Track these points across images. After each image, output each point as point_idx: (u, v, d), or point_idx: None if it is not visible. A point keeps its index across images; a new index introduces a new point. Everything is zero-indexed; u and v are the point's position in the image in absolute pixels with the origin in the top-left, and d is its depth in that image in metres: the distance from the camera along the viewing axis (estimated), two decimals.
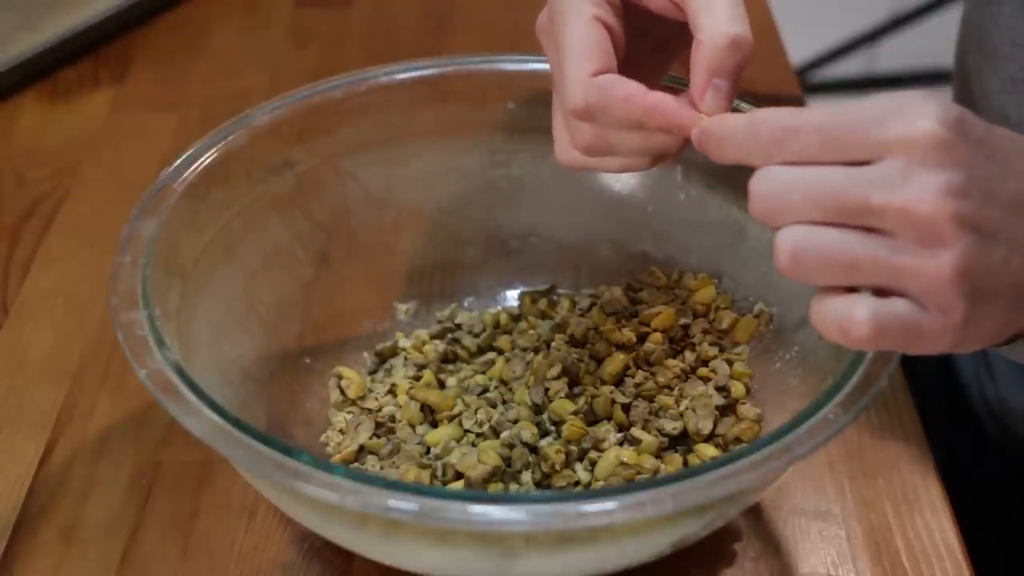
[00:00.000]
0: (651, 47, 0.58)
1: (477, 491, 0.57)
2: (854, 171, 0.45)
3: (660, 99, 0.51)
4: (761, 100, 0.58)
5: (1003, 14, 0.71)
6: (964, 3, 0.79)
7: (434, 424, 0.64)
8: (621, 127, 0.53)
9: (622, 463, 0.59)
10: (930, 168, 0.45)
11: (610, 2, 0.54)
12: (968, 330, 0.46)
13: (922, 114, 0.45)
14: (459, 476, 0.59)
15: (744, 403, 0.63)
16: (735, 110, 0.51)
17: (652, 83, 0.54)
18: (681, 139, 0.52)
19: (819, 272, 0.46)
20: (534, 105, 0.68)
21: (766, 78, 0.93)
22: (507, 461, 0.59)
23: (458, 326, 0.69)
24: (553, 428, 0.61)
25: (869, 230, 0.45)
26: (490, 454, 0.58)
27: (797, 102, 0.89)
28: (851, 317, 0.45)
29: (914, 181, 0.44)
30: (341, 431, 0.64)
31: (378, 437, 0.63)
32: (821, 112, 0.47)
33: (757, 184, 0.47)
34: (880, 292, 0.46)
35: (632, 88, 0.52)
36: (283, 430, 0.62)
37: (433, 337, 0.69)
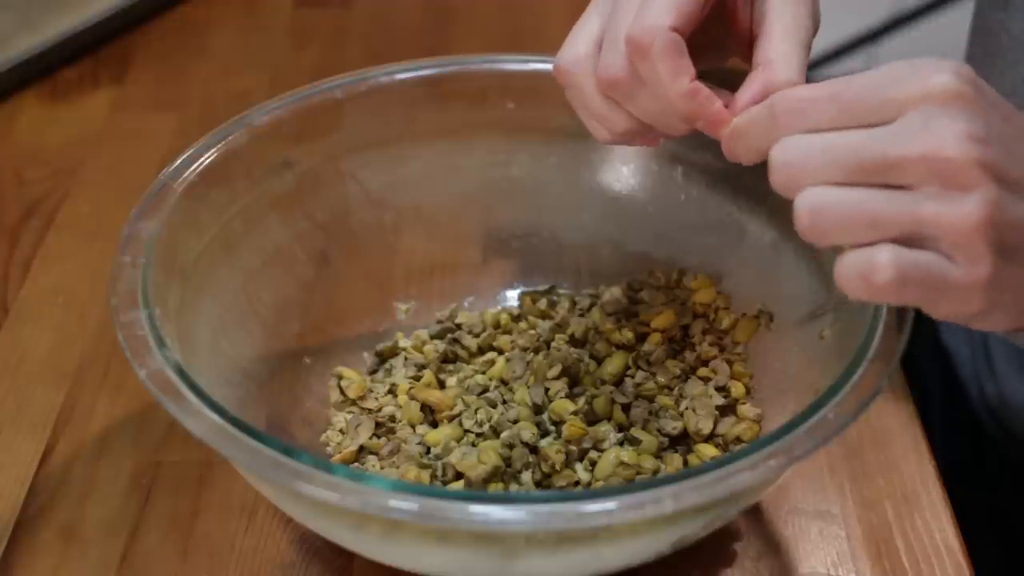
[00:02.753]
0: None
1: (477, 491, 0.57)
2: (873, 130, 0.45)
3: (703, 87, 0.51)
4: None
5: (1013, 19, 0.71)
6: (974, 8, 0.79)
7: (434, 424, 0.64)
8: (652, 86, 0.52)
9: (622, 463, 0.59)
10: (950, 116, 0.44)
11: None
12: (996, 291, 0.45)
13: (937, 69, 0.45)
14: (459, 476, 0.59)
15: (744, 403, 0.63)
16: None
17: None
18: (678, 129, 0.53)
19: (839, 230, 0.45)
20: (534, 105, 0.68)
21: None
22: (507, 461, 0.59)
23: (458, 326, 0.69)
24: (553, 428, 0.61)
25: (892, 189, 0.45)
26: (490, 454, 0.58)
27: None
28: (871, 263, 0.44)
29: (934, 128, 0.44)
30: (341, 431, 0.64)
31: (378, 437, 0.63)
32: (834, 81, 0.46)
33: (776, 154, 0.47)
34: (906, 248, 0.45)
35: (688, 67, 0.51)
36: (283, 430, 0.62)
37: (433, 337, 0.69)
